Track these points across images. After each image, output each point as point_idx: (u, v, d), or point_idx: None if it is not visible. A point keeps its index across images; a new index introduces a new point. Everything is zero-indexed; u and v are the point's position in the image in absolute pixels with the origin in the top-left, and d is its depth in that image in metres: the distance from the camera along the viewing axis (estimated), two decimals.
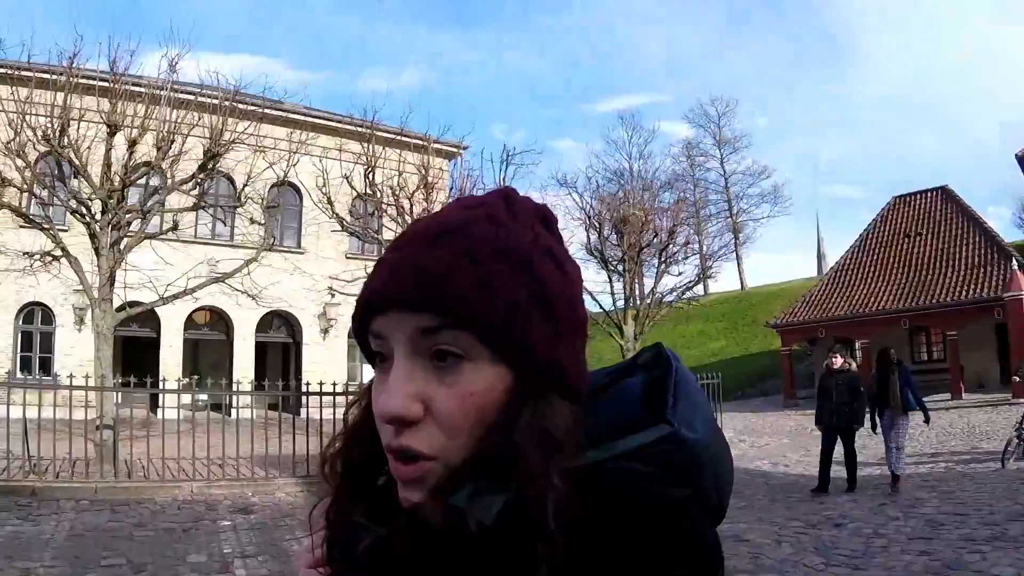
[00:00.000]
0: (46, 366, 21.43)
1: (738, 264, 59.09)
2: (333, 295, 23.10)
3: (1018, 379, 14.89)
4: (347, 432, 0.76)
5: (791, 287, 45.69)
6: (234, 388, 11.76)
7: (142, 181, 12.28)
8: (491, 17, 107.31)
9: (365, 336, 0.71)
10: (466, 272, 0.65)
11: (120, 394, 11.61)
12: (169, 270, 16.56)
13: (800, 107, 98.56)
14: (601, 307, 21.65)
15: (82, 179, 11.86)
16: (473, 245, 0.66)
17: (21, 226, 16.44)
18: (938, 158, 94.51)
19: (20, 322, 21.66)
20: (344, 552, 0.76)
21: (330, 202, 15.07)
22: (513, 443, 0.63)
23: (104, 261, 11.58)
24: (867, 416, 10.44)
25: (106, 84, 11.85)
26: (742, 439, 17.95)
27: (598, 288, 22.15)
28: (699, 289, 25.07)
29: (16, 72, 11.96)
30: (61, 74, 11.66)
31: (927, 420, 10.55)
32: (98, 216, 11.72)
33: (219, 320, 24.43)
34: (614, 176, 56.96)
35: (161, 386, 11.93)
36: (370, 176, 15.14)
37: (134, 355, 23.07)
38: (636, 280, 22.78)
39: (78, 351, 20.51)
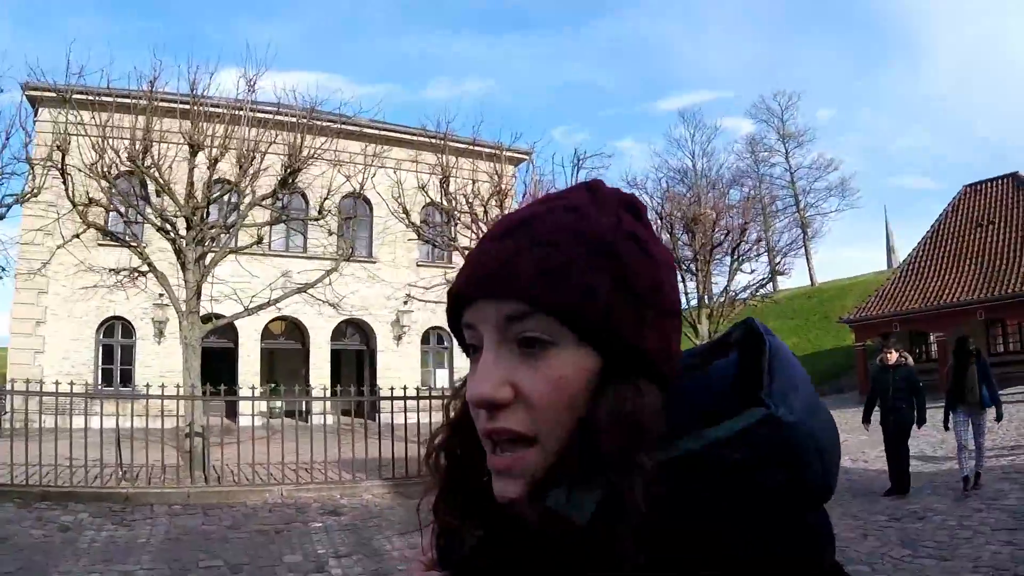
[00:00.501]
0: (127, 378, 22.38)
1: (807, 260, 57.89)
2: (407, 302, 23.66)
3: None
4: (449, 423, 0.78)
5: (862, 281, 44.70)
6: (319, 394, 12.02)
7: (224, 198, 12.75)
8: (549, 22, 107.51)
9: (459, 329, 0.73)
10: (541, 258, 0.66)
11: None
12: (251, 282, 17.26)
13: (864, 98, 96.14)
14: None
15: (166, 197, 12.41)
16: (550, 232, 0.68)
17: (100, 243, 17.32)
18: (1007, 145, 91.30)
19: (101, 336, 22.62)
20: (449, 552, 0.78)
21: (406, 212, 15.48)
22: (596, 426, 0.64)
23: (191, 275, 12.11)
24: (928, 412, 9.89)
25: (186, 106, 12.38)
26: None
27: None
28: (769, 286, 24.80)
29: (97, 98, 12.51)
30: (141, 98, 12.22)
31: (999, 417, 9.80)
32: (183, 232, 12.24)
33: (294, 329, 25.10)
34: (678, 175, 56.63)
35: (251, 393, 12.25)
36: (445, 185, 15.49)
37: (212, 365, 23.74)
38: (708, 279, 22.75)
39: (158, 362, 21.45)
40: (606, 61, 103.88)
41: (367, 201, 20.95)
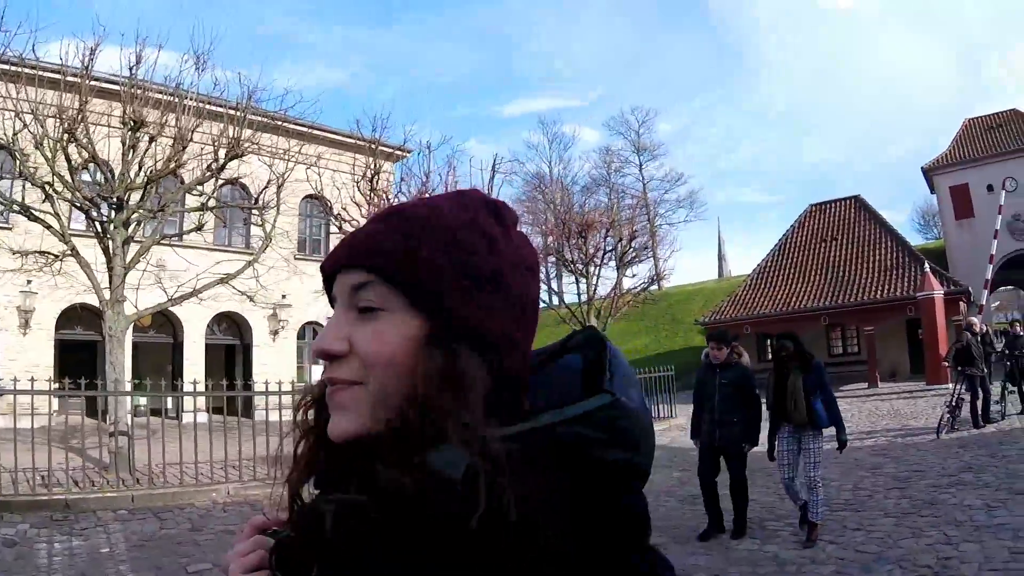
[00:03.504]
0: None
1: (655, 266, 61.16)
2: (284, 296, 23.17)
3: (946, 364, 16.40)
4: (320, 383, 0.84)
5: (704, 288, 47.65)
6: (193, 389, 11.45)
7: (150, 186, 12.17)
8: (413, 6, 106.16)
9: (331, 300, 0.83)
10: (392, 239, 0.76)
11: (58, 400, 10.98)
12: (180, 273, 15.91)
13: (699, 114, 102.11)
14: (566, 306, 22.83)
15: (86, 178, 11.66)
16: (408, 219, 0.78)
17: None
18: (831, 164, 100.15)
19: None
20: (305, 518, 0.78)
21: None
22: (417, 382, 0.72)
23: (117, 261, 11.41)
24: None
25: (116, 87, 11.79)
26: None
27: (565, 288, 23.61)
28: (654, 287, 26.64)
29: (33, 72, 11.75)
30: (76, 75, 11.68)
31: (842, 444, 7.23)
32: (111, 215, 11.54)
33: (165, 322, 23.81)
34: (535, 179, 58.53)
35: (194, 388, 11.86)
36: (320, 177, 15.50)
37: (70, 357, 22.24)
38: (597, 281, 24.05)
39: (24, 356, 19.79)
40: (451, 56, 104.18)
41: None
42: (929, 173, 34.72)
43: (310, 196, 18.28)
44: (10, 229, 18.22)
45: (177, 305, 13.65)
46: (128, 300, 12.06)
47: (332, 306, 0.81)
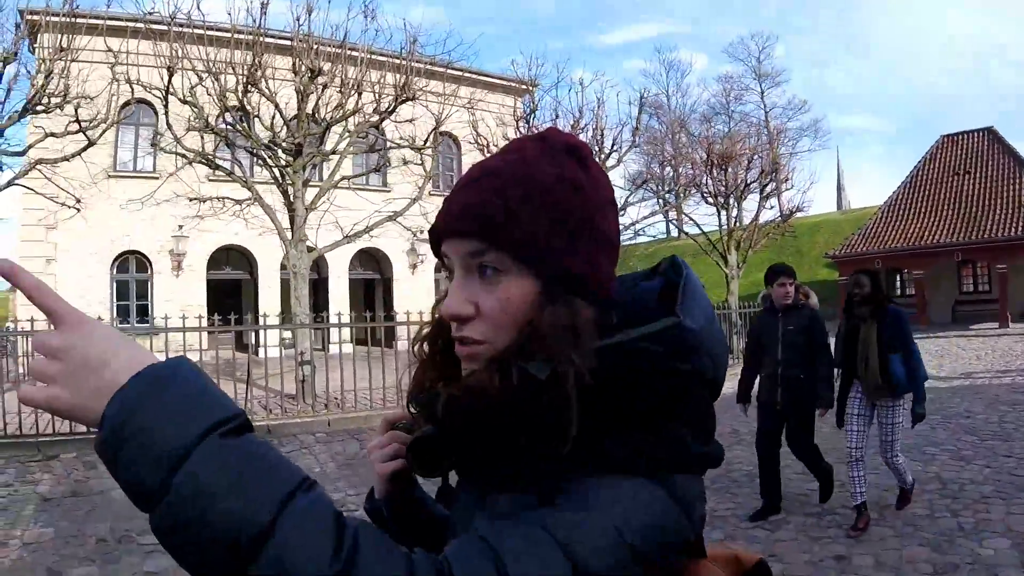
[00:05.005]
0: (144, 314, 21.66)
1: (778, 198, 59.73)
2: (421, 231, 24.09)
3: None
4: (433, 322, 0.98)
5: (827, 220, 46.43)
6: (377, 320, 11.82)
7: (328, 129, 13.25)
8: None
9: (440, 256, 0.91)
10: (495, 204, 0.84)
11: (208, 336, 11.67)
12: (347, 214, 16.82)
13: (812, 37, 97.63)
14: (708, 239, 23.04)
15: (262, 128, 12.70)
16: (504, 183, 0.85)
17: (209, 178, 17.27)
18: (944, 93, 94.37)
19: (115, 271, 21.83)
20: (424, 406, 0.90)
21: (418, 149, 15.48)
22: (541, 334, 0.81)
23: (299, 204, 12.51)
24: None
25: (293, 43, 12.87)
26: None
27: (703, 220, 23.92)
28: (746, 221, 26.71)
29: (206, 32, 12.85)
30: (250, 33, 12.71)
31: (918, 415, 5.61)
32: (293, 160, 12.78)
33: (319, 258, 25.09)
34: (652, 110, 57.63)
35: (351, 320, 13.30)
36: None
37: (221, 297, 23.55)
38: (740, 214, 24.47)
39: (178, 296, 21.07)
40: None
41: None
42: None
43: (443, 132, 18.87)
44: (157, 178, 19.66)
45: (351, 242, 14.54)
46: (308, 239, 13.12)
47: (441, 262, 0.92)
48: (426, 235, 0.94)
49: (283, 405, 11.28)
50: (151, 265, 22.12)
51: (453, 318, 0.86)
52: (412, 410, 0.96)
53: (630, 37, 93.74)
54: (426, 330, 0.99)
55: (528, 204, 0.83)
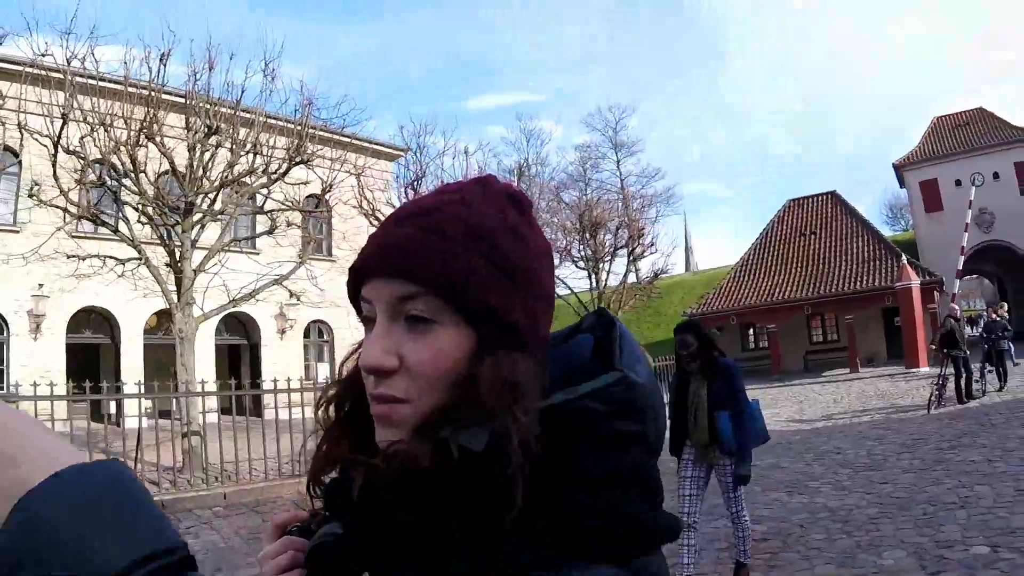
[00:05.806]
0: None
1: (640, 260, 62.75)
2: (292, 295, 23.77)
3: (934, 347, 17.58)
4: (342, 380, 0.86)
5: (678, 281, 49.13)
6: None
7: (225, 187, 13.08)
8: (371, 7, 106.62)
9: (357, 301, 0.80)
10: (432, 246, 0.74)
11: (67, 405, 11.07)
12: (235, 276, 15.94)
13: (661, 106, 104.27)
14: (579, 299, 24.03)
15: (149, 186, 12.43)
16: (442, 222, 0.76)
17: (74, 235, 15.90)
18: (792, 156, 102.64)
19: None
20: (333, 492, 0.83)
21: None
22: (477, 390, 0.71)
23: (187, 265, 12.20)
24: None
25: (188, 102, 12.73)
26: None
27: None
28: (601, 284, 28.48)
29: (94, 82, 12.36)
30: (145, 88, 12.52)
31: (740, 476, 5.27)
32: (181, 220, 12.57)
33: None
34: (511, 176, 59.35)
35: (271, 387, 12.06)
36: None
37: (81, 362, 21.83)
38: (608, 274, 25.64)
39: (35, 361, 19.67)
40: (410, 54, 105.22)
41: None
42: (900, 169, 36.77)
43: (312, 195, 18.73)
44: (18, 232, 18.64)
45: (237, 307, 14.25)
46: (196, 302, 12.80)
47: (358, 309, 0.81)
48: (296, 300, 0.87)
49: (173, 479, 10.55)
50: (7, 327, 20.64)
51: (372, 371, 0.75)
52: (312, 493, 0.87)
53: (485, 105, 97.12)
54: (332, 391, 0.86)
55: (468, 248, 0.74)
